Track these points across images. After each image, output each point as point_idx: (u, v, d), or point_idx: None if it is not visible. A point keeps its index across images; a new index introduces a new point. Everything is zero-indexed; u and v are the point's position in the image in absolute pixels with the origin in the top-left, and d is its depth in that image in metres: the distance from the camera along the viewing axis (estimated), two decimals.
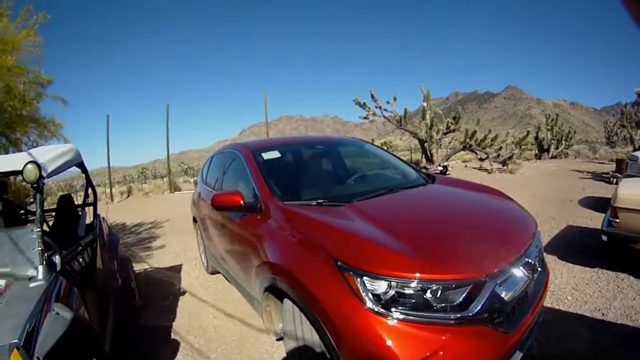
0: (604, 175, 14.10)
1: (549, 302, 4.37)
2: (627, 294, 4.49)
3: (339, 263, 2.38)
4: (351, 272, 2.29)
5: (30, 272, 2.69)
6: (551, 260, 5.62)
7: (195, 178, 7.37)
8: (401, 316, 2.12)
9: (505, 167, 17.30)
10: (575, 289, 4.71)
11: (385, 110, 19.27)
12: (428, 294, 2.15)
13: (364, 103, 19.29)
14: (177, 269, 7.07)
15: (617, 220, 5.05)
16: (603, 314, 4.09)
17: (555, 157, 25.46)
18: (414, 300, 2.16)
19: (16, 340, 1.94)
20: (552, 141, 26.02)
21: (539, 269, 2.83)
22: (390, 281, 2.19)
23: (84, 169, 4.75)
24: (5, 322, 2.11)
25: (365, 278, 2.24)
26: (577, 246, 6.19)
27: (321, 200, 3.30)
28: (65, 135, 9.77)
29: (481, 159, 18.57)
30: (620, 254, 5.29)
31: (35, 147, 9.01)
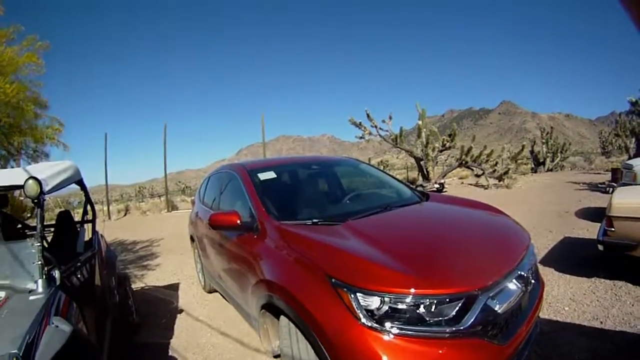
0: (599, 185, 14.15)
1: (546, 313, 4.38)
2: (625, 302, 4.51)
3: (333, 280, 2.41)
4: (345, 289, 2.32)
5: (30, 285, 2.70)
6: (548, 272, 5.63)
7: (193, 197, 7.39)
8: (395, 331, 2.15)
9: (501, 182, 17.36)
10: (572, 299, 4.72)
11: (381, 129, 19.37)
12: (421, 309, 2.18)
13: (360, 123, 19.34)
14: (174, 287, 7.07)
15: (613, 229, 5.07)
16: (601, 323, 4.11)
17: (551, 170, 25.53)
18: (407, 315, 2.19)
19: (15, 351, 1.96)
20: (548, 154, 26.12)
21: (533, 281, 2.84)
22: (383, 297, 2.21)
23: (83, 186, 4.78)
24: (4, 333, 2.13)
25: (358, 294, 2.27)
26: (574, 257, 6.21)
27: (316, 220, 3.34)
28: (64, 142, 9.79)
29: (477, 175, 18.59)
30: (617, 262, 5.31)
31: (34, 154, 9.07)
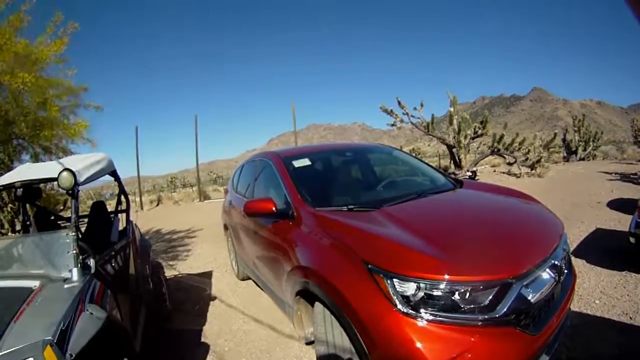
0: (632, 176, 13.78)
1: (576, 306, 4.34)
2: None
3: (369, 266, 2.44)
4: (381, 275, 2.35)
5: (65, 274, 2.79)
6: (579, 264, 5.57)
7: (226, 186, 7.46)
8: (430, 317, 2.18)
9: (533, 171, 17.01)
10: (603, 292, 4.66)
11: (412, 116, 19.00)
12: (456, 296, 2.20)
13: (391, 110, 19.07)
14: (207, 275, 7.19)
15: None
16: (631, 318, 4.05)
17: (583, 159, 25.01)
18: (442, 302, 2.21)
19: (50, 338, 2.04)
20: (580, 143, 25.56)
21: (566, 271, 2.85)
22: (419, 283, 2.24)
23: (116, 177, 4.89)
24: (39, 320, 2.22)
25: (395, 280, 2.30)
26: (605, 249, 6.11)
27: (352, 206, 3.35)
28: (92, 140, 9.69)
29: (509, 163, 18.25)
30: None
31: (66, 154, 9.10)
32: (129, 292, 3.94)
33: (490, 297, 2.23)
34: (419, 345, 2.11)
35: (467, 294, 2.21)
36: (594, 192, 11.33)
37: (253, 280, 5.66)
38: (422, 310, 2.20)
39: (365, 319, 2.34)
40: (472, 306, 2.20)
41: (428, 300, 2.22)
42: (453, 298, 2.20)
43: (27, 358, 1.96)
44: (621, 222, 7.55)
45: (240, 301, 5.66)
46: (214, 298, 5.91)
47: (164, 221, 14.82)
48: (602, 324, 4.00)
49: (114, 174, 4.76)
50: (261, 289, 5.18)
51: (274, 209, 3.62)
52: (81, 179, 3.40)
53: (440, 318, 2.18)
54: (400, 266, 2.34)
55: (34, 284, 2.70)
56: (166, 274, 6.19)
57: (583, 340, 3.67)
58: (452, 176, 4.77)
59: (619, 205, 9.29)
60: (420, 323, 2.17)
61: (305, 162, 4.43)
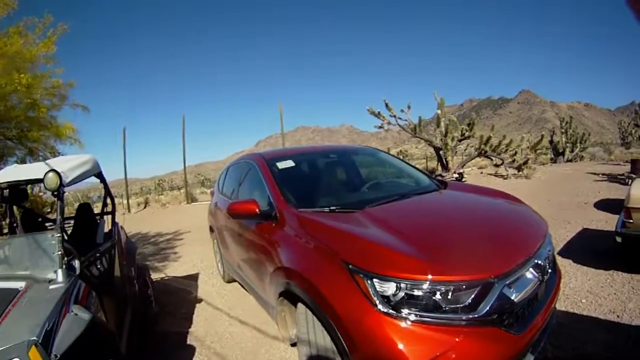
0: (619, 176, 13.86)
1: (563, 305, 4.36)
2: None
3: (350, 266, 2.43)
4: (361, 275, 2.34)
5: (50, 275, 2.77)
6: (566, 264, 5.59)
7: (212, 189, 7.44)
8: (411, 317, 2.16)
9: (520, 172, 17.11)
10: (590, 292, 4.68)
11: (399, 119, 19.08)
12: (437, 295, 2.19)
13: (379, 112, 19.10)
14: (194, 278, 7.15)
15: (631, 221, 5.00)
16: (618, 316, 4.07)
17: (570, 161, 25.17)
18: (423, 302, 2.20)
19: (35, 338, 2.03)
20: (567, 144, 25.76)
21: (550, 270, 2.86)
22: (399, 283, 2.23)
23: (102, 179, 4.85)
24: (24, 321, 2.20)
25: (375, 280, 2.29)
26: (592, 249, 6.14)
27: (334, 207, 3.35)
28: (80, 140, 9.70)
29: (496, 165, 18.36)
30: (635, 254, 5.17)
31: (53, 155, 9.05)
32: (114, 293, 3.92)
33: (472, 296, 2.22)
34: (400, 345, 2.10)
35: (449, 294, 2.20)
36: (581, 192, 11.44)
37: (238, 282, 5.64)
38: (403, 311, 2.19)
39: (346, 319, 2.33)
40: (453, 306, 2.19)
41: (409, 300, 2.21)
42: (434, 298, 2.19)
43: (13, 358, 1.96)
44: (608, 222, 7.60)
45: (226, 303, 5.65)
46: (200, 300, 5.89)
47: (151, 224, 14.75)
48: (589, 322, 4.01)
49: (99, 175, 4.73)
50: (246, 290, 5.17)
51: (257, 210, 3.60)
52: (67, 180, 3.39)
53: (422, 318, 2.17)
54: (380, 266, 2.33)
55: (20, 285, 2.68)
56: (152, 277, 6.17)
57: (570, 339, 3.68)
58: (438, 178, 4.78)
59: (605, 205, 9.37)
60: (401, 323, 2.16)
61: (289, 163, 4.43)
